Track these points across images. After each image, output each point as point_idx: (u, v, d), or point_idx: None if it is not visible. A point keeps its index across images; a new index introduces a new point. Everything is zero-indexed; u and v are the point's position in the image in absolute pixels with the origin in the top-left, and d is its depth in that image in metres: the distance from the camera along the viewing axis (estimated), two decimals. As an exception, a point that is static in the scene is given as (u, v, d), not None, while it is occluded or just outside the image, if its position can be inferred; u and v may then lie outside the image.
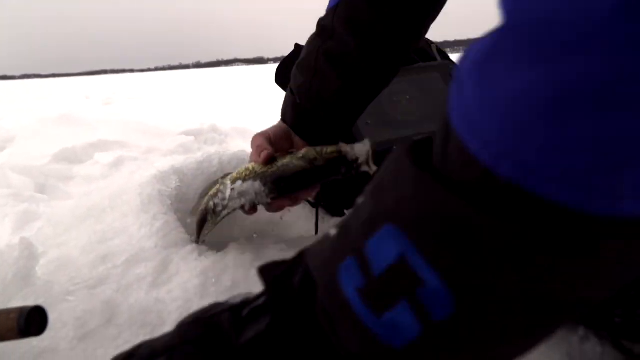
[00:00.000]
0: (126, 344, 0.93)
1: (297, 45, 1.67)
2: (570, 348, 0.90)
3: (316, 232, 1.52)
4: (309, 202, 1.67)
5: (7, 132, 2.65)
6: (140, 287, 1.07)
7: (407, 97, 1.58)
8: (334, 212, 1.60)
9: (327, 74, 1.03)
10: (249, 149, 1.84)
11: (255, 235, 1.52)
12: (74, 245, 1.27)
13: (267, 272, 0.55)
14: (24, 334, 0.77)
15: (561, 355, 0.87)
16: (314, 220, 1.55)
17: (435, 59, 1.78)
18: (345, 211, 1.29)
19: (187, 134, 2.60)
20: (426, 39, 1.85)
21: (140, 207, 1.34)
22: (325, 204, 1.58)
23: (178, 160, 1.72)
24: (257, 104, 5.44)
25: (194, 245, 1.19)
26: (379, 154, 1.42)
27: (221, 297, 0.98)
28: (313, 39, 1.08)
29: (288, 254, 1.12)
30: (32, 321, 0.78)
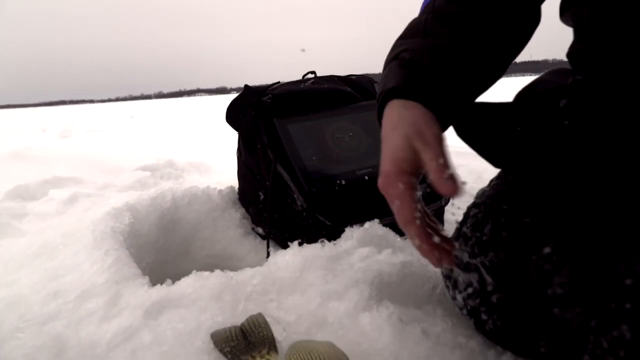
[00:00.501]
0: (75, 377, 0.98)
1: (246, 86, 1.77)
2: (486, 363, 0.99)
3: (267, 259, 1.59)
4: (259, 234, 1.74)
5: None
6: (91, 322, 1.12)
7: (350, 134, 1.69)
8: (283, 244, 1.68)
9: (439, 33, 0.90)
10: (204, 184, 1.92)
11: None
12: (25, 283, 1.30)
13: None
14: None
15: (479, 370, 0.96)
16: (264, 253, 1.62)
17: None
18: (290, 243, 1.37)
19: (143, 169, 2.64)
20: (369, 77, 1.98)
21: (93, 244, 1.38)
22: (274, 236, 1.65)
23: (132, 196, 1.77)
24: (216, 136, 5.50)
25: (145, 278, 1.24)
26: (323, 190, 1.52)
27: (170, 332, 1.04)
28: (410, 26, 0.99)
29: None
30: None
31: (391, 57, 0.96)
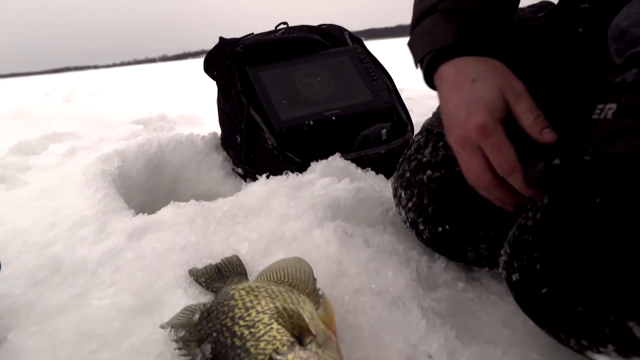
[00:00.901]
0: (71, 288, 1.16)
1: (221, 38, 1.89)
2: (418, 265, 1.16)
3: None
4: (238, 174, 1.90)
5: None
6: (83, 245, 1.29)
7: (319, 78, 1.82)
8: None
9: None
10: (194, 133, 2.06)
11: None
12: (27, 219, 1.48)
13: None
14: (-19, 275, 0.99)
15: (410, 270, 1.12)
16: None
17: (347, 44, 2.02)
18: (258, 176, 1.52)
19: (137, 122, 2.79)
20: (339, 26, 2.09)
21: (85, 184, 1.55)
22: (252, 175, 1.81)
23: (123, 144, 1.92)
24: (210, 91, 5.60)
25: (131, 210, 1.41)
26: (292, 130, 1.66)
27: (150, 250, 1.21)
28: None
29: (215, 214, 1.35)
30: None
31: (424, 9, 0.95)
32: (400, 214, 1.27)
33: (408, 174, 1.23)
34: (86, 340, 0.97)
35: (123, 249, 1.24)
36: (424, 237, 1.20)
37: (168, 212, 1.36)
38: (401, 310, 1.01)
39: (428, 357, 0.92)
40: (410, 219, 1.22)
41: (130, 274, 1.15)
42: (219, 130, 2.09)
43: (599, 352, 0.68)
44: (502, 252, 0.86)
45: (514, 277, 0.80)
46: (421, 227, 1.19)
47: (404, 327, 0.97)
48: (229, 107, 1.85)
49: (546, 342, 0.98)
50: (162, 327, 0.95)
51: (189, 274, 1.13)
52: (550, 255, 0.72)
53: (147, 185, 1.81)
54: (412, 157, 1.24)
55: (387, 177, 1.65)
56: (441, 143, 1.17)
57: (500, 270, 0.86)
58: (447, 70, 0.87)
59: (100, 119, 3.02)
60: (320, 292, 1.01)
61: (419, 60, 0.97)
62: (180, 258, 1.17)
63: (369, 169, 1.63)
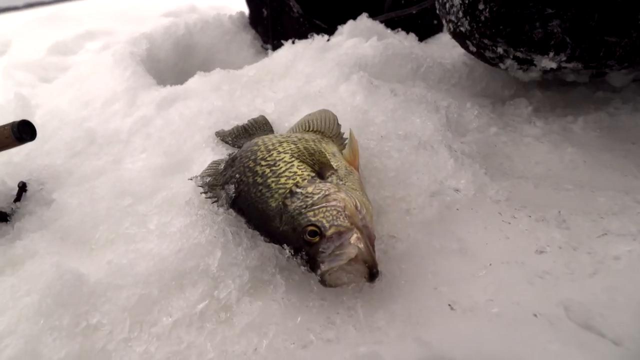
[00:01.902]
0: (106, 156, 1.20)
1: None
2: (448, 111, 1.11)
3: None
4: (267, 49, 1.85)
5: (3, 37, 2.84)
6: (115, 119, 1.32)
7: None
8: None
9: None
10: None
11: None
12: (64, 102, 1.52)
13: None
14: (18, 139, 1.03)
15: (439, 116, 1.08)
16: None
17: None
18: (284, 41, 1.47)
19: (166, 15, 2.75)
20: None
21: (114, 64, 1.56)
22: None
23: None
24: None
25: (155, 82, 1.42)
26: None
27: (178, 117, 1.21)
28: None
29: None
30: (23, 130, 1.04)
31: None
32: (449, 21, 1.15)
33: None
34: (121, 197, 1.01)
35: (152, 118, 1.25)
36: (483, 18, 1.06)
37: (194, 82, 1.35)
38: (428, 152, 0.98)
39: (455, 191, 0.90)
40: (466, 3, 1.07)
41: (160, 139, 1.17)
42: (246, 10, 2.02)
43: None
44: None
45: None
46: (481, 5, 1.08)
47: (430, 167, 0.95)
48: (253, -20, 1.77)
49: (580, 175, 0.94)
50: (191, 179, 0.97)
51: (216, 135, 1.14)
52: None
53: (177, 67, 1.80)
54: None
55: (420, 39, 1.56)
56: None
57: None
58: None
59: (131, 14, 3.00)
60: (344, 135, 0.99)
61: None
62: (208, 121, 1.17)
63: (399, 29, 1.54)
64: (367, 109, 1.09)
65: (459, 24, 1.11)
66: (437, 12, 1.20)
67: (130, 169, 1.11)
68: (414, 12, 1.59)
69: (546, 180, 0.90)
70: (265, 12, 1.73)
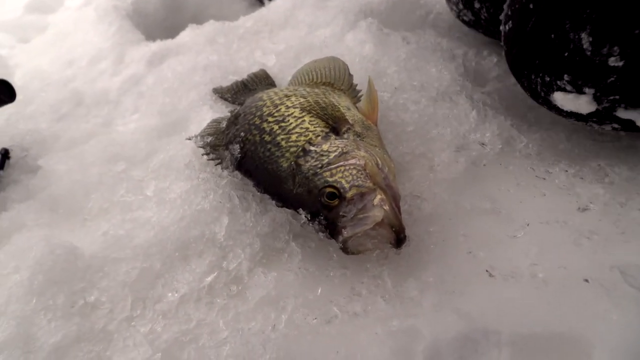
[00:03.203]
0: (95, 118, 1.11)
1: None
2: (465, 60, 1.02)
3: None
4: (262, 1, 1.73)
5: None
6: (102, 78, 1.22)
7: None
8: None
9: None
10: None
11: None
12: (45, 61, 1.40)
13: None
14: (-4, 101, 0.94)
15: (456, 65, 0.99)
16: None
17: None
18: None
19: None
20: None
21: (97, 20, 1.44)
22: None
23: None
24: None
25: (144, 38, 1.31)
26: None
27: (171, 73, 1.12)
28: None
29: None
30: (1, 92, 0.94)
31: None
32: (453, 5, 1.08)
33: None
34: (114, 162, 0.92)
35: (143, 76, 1.16)
36: (482, 17, 1.02)
37: (186, 35, 1.25)
38: (447, 104, 0.90)
39: (481, 145, 0.82)
40: None
41: (152, 98, 1.07)
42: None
43: (558, 88, 0.68)
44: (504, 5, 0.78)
45: (508, 26, 0.76)
46: (477, 4, 1.00)
47: (451, 120, 0.87)
48: None
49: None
50: (189, 138, 0.89)
51: (214, 92, 1.04)
52: None
53: (167, 22, 1.68)
54: None
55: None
56: None
57: (501, 27, 0.79)
58: None
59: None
60: (358, 88, 0.90)
61: None
62: (204, 77, 1.08)
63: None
64: (378, 58, 1.00)
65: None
66: None
67: (122, 132, 1.03)
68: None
69: (579, 132, 0.82)
70: (258, -40, 1.60)
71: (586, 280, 0.56)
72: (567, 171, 0.74)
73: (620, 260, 0.57)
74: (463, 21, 1.08)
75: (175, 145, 0.92)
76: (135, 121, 1.05)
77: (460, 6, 1.04)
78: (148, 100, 1.08)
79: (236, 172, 0.79)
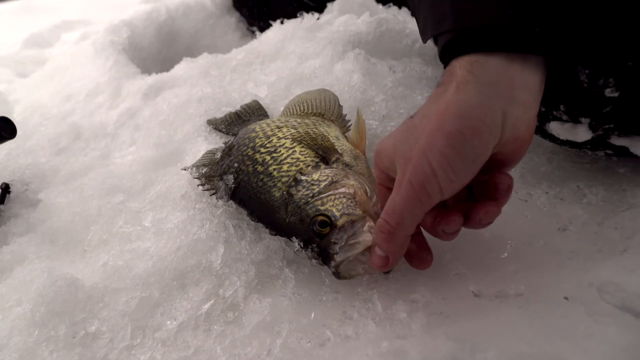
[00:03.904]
0: (93, 151, 1.14)
1: None
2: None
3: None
4: (254, 32, 1.78)
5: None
6: (100, 111, 1.25)
7: None
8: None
9: None
10: None
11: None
12: (44, 95, 1.44)
13: None
14: (-3, 138, 0.97)
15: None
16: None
17: None
18: (272, 22, 1.40)
19: (145, 1, 2.65)
20: None
21: (94, 55, 1.48)
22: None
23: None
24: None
25: (139, 72, 1.35)
26: None
27: (166, 106, 1.15)
28: None
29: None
30: (2, 127, 0.97)
31: None
32: None
33: None
34: (112, 194, 0.95)
35: (139, 109, 1.19)
36: None
37: (181, 68, 1.29)
38: (434, 130, 0.94)
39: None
40: None
41: (149, 130, 1.11)
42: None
43: (553, 118, 0.69)
44: None
45: None
46: None
47: (437, 145, 0.91)
48: (235, -42, 1.69)
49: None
50: (185, 169, 0.92)
51: (208, 123, 1.08)
52: None
53: (161, 55, 1.73)
54: None
55: (412, 13, 1.50)
56: None
57: None
58: (462, 66, 0.58)
59: (107, 1, 2.89)
60: (347, 117, 0.94)
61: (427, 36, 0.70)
62: (198, 109, 1.11)
63: (391, 4, 1.48)
64: (366, 87, 1.04)
65: None
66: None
67: (119, 164, 1.06)
68: (404, -15, 1.52)
69: (559, 154, 0.86)
70: (249, -7, 1.66)
71: (566, 298, 0.59)
72: (547, 193, 0.77)
73: (597, 278, 0.60)
74: None
75: (172, 176, 0.95)
76: (132, 153, 1.08)
77: None
78: (144, 133, 1.11)
79: (231, 201, 0.82)
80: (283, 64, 1.21)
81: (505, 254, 0.68)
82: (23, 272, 0.80)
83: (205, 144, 1.01)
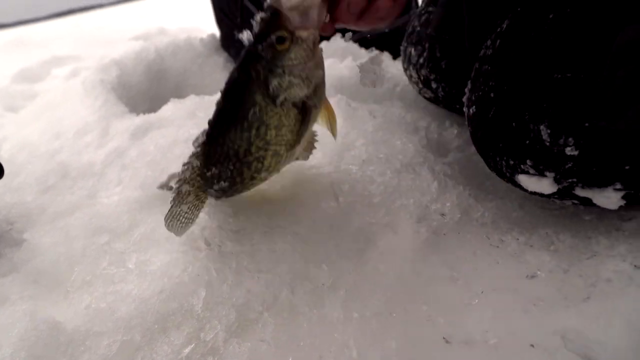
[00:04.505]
0: (80, 190, 1.16)
1: None
2: (428, 132, 1.11)
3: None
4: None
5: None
6: (88, 150, 1.28)
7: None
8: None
9: None
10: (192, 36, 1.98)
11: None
12: (32, 132, 1.46)
13: None
14: (-15, 179, 0.98)
15: (419, 137, 1.08)
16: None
17: None
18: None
19: (136, 39, 2.70)
20: None
21: (84, 93, 1.52)
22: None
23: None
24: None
25: (127, 111, 1.38)
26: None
27: (153, 147, 1.18)
28: None
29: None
30: (-10, 170, 0.99)
31: None
32: (411, 77, 1.20)
33: (418, 29, 1.15)
34: (98, 234, 0.97)
35: (127, 148, 1.22)
36: (439, 95, 1.13)
37: (168, 109, 1.32)
38: (411, 175, 0.97)
39: (441, 215, 0.89)
40: (422, 78, 1.14)
41: (135, 170, 1.13)
42: (217, 32, 2.00)
43: (522, 171, 0.77)
44: (465, 89, 0.87)
45: (472, 110, 0.83)
46: (434, 85, 1.12)
47: (414, 190, 0.94)
48: (224, 2, 1.75)
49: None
50: (161, 187, 0.96)
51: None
52: (502, 77, 0.77)
53: (150, 93, 1.76)
54: (422, 12, 1.16)
55: (394, 57, 1.56)
56: None
57: (464, 108, 0.87)
58: None
59: (97, 37, 2.95)
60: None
61: None
62: (184, 151, 1.14)
63: (373, 48, 1.54)
64: (347, 132, 1.08)
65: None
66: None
67: (106, 204, 1.07)
68: (386, 30, 1.58)
69: (530, 200, 0.90)
70: (237, 35, 1.70)
71: (532, 346, 0.61)
72: (518, 239, 0.81)
73: (561, 325, 0.62)
74: (424, 97, 1.18)
75: (157, 217, 0.97)
76: (118, 193, 1.10)
77: (420, 85, 1.15)
78: (131, 173, 1.13)
79: (212, 245, 0.85)
80: (268, 107, 1.24)
81: (476, 301, 0.71)
82: (5, 313, 0.81)
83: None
